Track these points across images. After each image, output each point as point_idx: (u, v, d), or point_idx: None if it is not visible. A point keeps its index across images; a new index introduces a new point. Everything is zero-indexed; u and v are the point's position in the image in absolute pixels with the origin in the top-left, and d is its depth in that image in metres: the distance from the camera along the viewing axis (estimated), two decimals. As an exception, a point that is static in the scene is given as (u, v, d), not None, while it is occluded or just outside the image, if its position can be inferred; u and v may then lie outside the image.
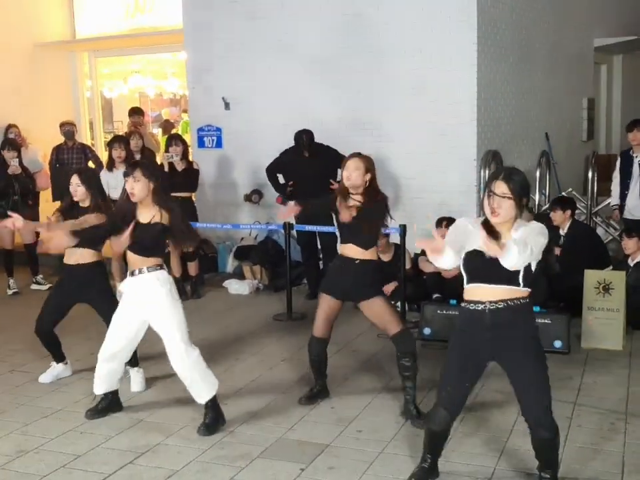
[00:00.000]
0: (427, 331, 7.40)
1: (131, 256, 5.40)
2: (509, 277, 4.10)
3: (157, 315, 5.36)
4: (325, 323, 5.79)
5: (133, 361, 6.28)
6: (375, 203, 5.53)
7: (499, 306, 4.15)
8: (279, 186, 9.42)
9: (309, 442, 5.24)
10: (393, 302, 8.49)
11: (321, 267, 9.53)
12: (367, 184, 5.54)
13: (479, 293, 4.20)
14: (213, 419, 5.46)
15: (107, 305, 6.06)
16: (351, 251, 5.63)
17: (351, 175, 5.50)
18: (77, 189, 6.12)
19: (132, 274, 5.40)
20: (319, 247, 9.42)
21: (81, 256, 6.15)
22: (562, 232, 8.15)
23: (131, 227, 5.20)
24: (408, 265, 8.47)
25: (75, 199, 6.16)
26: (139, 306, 5.42)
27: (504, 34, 10.09)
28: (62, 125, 11.42)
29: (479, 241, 3.95)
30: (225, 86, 10.79)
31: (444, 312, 7.35)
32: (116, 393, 5.83)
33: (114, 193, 9.17)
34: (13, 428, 5.58)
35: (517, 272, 4.08)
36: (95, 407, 5.80)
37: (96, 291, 6.22)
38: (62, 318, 6.38)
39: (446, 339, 7.06)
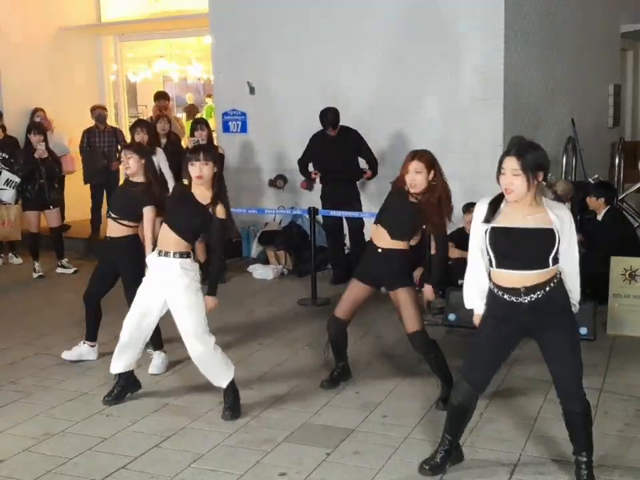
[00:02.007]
0: (452, 317, 7.39)
1: (167, 233, 5.35)
2: (539, 260, 4.10)
3: (176, 302, 5.35)
4: (350, 306, 5.74)
5: (157, 344, 6.31)
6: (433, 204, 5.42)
7: (538, 294, 4.12)
8: (307, 175, 9.41)
9: (334, 426, 5.24)
10: (418, 288, 8.53)
11: (347, 252, 9.53)
12: (429, 184, 5.40)
13: (512, 280, 4.15)
14: (233, 402, 5.47)
15: (132, 279, 6.00)
16: (380, 236, 5.57)
17: (415, 180, 5.35)
18: (129, 161, 6.18)
19: (162, 254, 5.35)
20: (345, 232, 9.42)
21: (115, 229, 6.28)
22: (599, 217, 8.09)
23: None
24: (433, 251, 8.42)
25: (128, 172, 6.23)
26: (161, 287, 5.40)
27: (531, 19, 9.99)
28: (93, 109, 11.50)
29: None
30: (250, 70, 10.77)
31: (469, 298, 7.32)
32: (132, 373, 5.82)
33: (137, 177, 9.20)
34: (39, 410, 5.62)
35: (548, 254, 4.08)
36: (110, 392, 5.78)
37: (127, 262, 6.25)
38: (107, 289, 6.47)
39: (471, 325, 7.07)
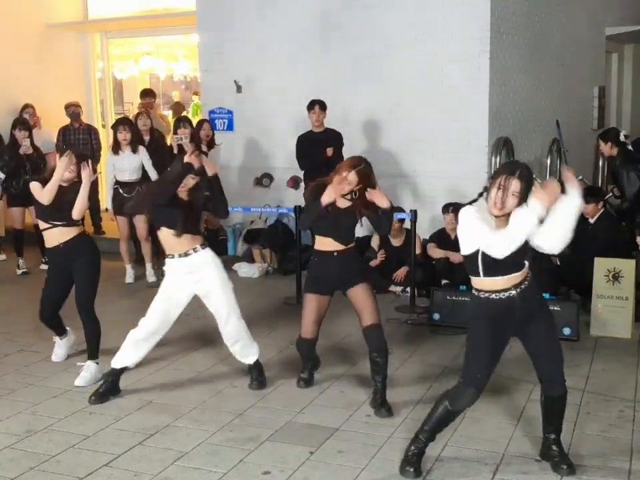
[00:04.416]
0: (436, 316, 7.41)
1: (177, 236, 5.59)
2: (520, 264, 4.33)
3: (216, 289, 5.75)
4: (315, 324, 5.65)
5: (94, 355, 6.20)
6: (370, 211, 5.46)
7: (522, 287, 4.35)
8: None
9: (318, 425, 5.25)
10: (403, 287, 8.56)
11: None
12: (357, 194, 5.41)
13: (501, 284, 4.32)
14: (259, 375, 5.95)
15: (87, 273, 6.08)
16: (330, 245, 5.54)
17: (341, 185, 5.34)
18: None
19: (185, 254, 5.64)
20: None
21: (61, 235, 6.09)
22: (591, 220, 8.10)
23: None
24: (418, 250, 8.47)
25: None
26: (192, 285, 5.71)
27: (517, 21, 10.03)
28: (67, 107, 11.45)
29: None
30: (237, 69, 10.77)
31: (453, 298, 7.37)
32: (118, 376, 5.82)
33: (120, 176, 9.19)
34: (22, 407, 5.60)
35: (525, 258, 4.34)
36: (97, 390, 5.77)
37: (83, 259, 6.10)
38: (65, 298, 6.30)
39: (455, 325, 7.14)
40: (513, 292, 4.32)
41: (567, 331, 6.88)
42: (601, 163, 10.33)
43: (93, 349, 6.14)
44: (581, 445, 4.88)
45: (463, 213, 4.37)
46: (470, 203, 4.37)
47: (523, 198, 4.17)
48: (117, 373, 5.80)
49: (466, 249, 4.35)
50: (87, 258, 6.11)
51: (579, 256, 7.71)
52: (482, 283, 4.37)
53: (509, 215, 4.21)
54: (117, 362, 5.78)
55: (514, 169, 4.20)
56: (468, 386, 4.42)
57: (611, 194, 9.16)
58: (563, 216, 4.20)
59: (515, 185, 4.15)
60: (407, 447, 4.63)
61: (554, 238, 4.25)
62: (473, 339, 4.45)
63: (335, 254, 5.52)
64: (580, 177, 10.51)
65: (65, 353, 6.58)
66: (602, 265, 7.31)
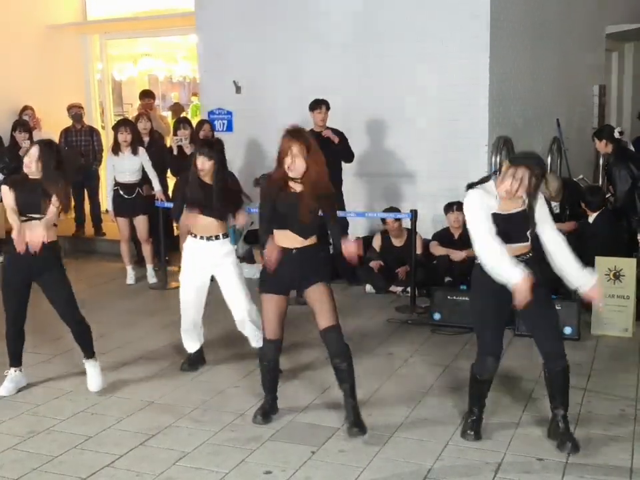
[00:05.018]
0: (436, 316, 7.40)
1: (205, 220, 5.98)
2: (523, 236, 4.73)
3: (228, 275, 6.14)
4: (278, 323, 5.23)
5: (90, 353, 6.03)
6: (322, 195, 5.08)
7: (525, 258, 4.72)
8: None
9: (319, 425, 5.26)
10: (403, 287, 8.56)
11: (331, 250, 9.53)
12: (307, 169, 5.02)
13: (508, 251, 4.62)
14: None
15: (61, 288, 5.83)
16: (287, 240, 5.11)
17: (295, 164, 5.01)
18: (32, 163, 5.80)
19: (211, 238, 6.04)
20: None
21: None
22: (590, 219, 8.09)
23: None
24: (419, 250, 8.47)
25: (27, 170, 5.85)
26: (210, 268, 6.11)
27: (516, 20, 10.02)
28: (70, 108, 11.49)
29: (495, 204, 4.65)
30: (236, 69, 10.77)
31: (454, 297, 7.36)
32: (201, 348, 6.44)
33: (120, 177, 9.19)
34: (24, 409, 5.61)
35: (526, 230, 4.73)
36: (187, 359, 6.39)
37: (54, 272, 5.80)
38: (27, 303, 6.03)
39: (455, 324, 7.16)
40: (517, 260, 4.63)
41: (568, 330, 6.88)
42: (601, 162, 10.32)
43: (89, 348, 5.99)
44: (583, 444, 4.87)
45: (468, 198, 4.72)
46: (477, 183, 4.76)
47: (532, 188, 4.55)
48: (193, 353, 6.40)
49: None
50: (58, 268, 5.85)
51: (580, 255, 7.70)
52: None
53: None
54: (188, 348, 6.40)
55: (525, 161, 4.58)
56: (485, 356, 4.88)
57: (609, 193, 9.16)
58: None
59: (521, 172, 4.51)
60: (465, 417, 5.11)
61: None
62: (478, 315, 4.90)
63: (294, 251, 5.09)
64: (581, 176, 10.57)
65: (15, 388, 5.99)
66: (603, 264, 7.30)
